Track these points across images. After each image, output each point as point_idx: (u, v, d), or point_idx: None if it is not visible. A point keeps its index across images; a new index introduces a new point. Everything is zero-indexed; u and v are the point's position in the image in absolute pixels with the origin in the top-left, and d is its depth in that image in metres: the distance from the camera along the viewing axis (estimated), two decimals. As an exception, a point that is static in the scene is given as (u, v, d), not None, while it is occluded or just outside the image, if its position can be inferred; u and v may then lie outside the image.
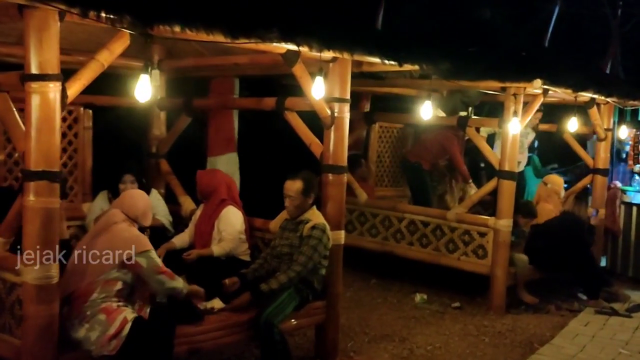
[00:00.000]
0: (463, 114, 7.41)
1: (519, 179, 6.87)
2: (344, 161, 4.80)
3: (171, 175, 6.02)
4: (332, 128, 4.71)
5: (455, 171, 7.65)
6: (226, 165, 6.76)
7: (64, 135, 5.44)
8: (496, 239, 6.24)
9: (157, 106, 6.05)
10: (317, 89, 4.20)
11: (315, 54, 4.11)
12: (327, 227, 4.58)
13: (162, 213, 5.55)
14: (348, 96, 4.74)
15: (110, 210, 3.97)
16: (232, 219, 5.07)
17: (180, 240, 5.19)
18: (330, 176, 4.79)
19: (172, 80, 6.39)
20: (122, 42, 3.49)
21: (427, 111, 5.32)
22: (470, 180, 7.46)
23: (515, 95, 6.03)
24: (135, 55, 5.91)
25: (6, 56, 4.82)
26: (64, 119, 5.43)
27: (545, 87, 5.98)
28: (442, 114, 7.58)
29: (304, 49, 3.96)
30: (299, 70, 4.40)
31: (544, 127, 8.05)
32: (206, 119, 6.93)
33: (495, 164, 6.34)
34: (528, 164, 8.38)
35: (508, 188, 6.24)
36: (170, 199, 5.99)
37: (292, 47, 3.91)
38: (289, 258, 4.57)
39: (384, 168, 8.35)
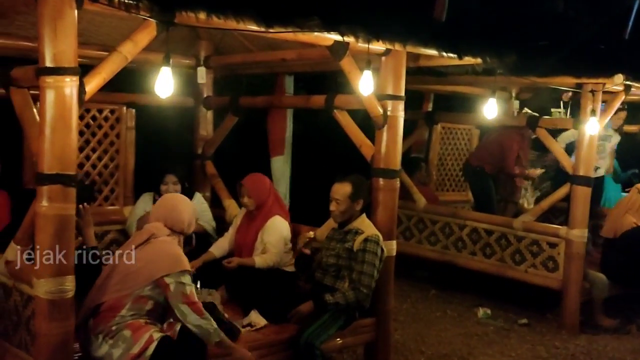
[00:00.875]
0: (556, 111, 6.81)
1: (597, 184, 6.25)
2: (396, 164, 4.37)
3: (217, 177, 5.72)
4: (385, 128, 4.30)
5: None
6: (276, 168, 6.41)
7: (105, 135, 5.24)
8: (568, 250, 5.69)
9: (203, 105, 5.77)
10: (365, 84, 3.77)
11: (364, 45, 3.70)
12: (381, 238, 4.17)
13: (205, 218, 5.25)
14: (402, 93, 4.31)
15: (152, 222, 3.58)
16: (279, 230, 4.63)
17: (220, 249, 4.83)
18: (381, 181, 4.37)
19: (221, 79, 6.14)
20: (147, 32, 3.14)
21: (491, 110, 4.81)
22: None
23: (592, 92, 5.46)
24: (182, 53, 5.69)
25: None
26: (106, 119, 5.23)
27: (628, 83, 5.38)
28: (527, 111, 7.00)
29: (351, 40, 3.55)
30: (347, 64, 3.99)
31: (630, 128, 7.35)
32: (257, 119, 6.63)
33: (569, 168, 5.79)
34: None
35: (582, 195, 5.67)
36: (215, 203, 5.70)
37: (336, 37, 3.50)
38: (334, 270, 4.19)
39: (445, 172, 7.86)
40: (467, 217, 6.59)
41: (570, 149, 6.55)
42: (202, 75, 5.61)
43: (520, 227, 6.05)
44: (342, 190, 4.19)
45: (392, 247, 4.43)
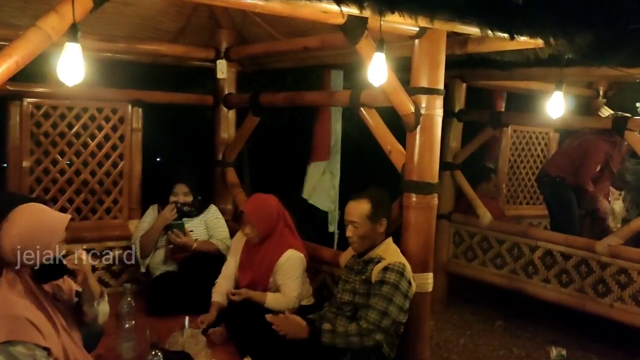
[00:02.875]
0: None
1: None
2: (432, 176, 3.45)
3: (238, 187, 4.98)
4: (418, 130, 3.39)
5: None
6: (310, 176, 5.58)
7: (106, 138, 4.60)
8: (666, 283, 4.61)
9: (223, 104, 5.04)
10: (375, 71, 2.86)
11: (387, 24, 2.84)
12: (407, 267, 3.25)
13: (220, 235, 4.52)
14: (441, 86, 3.40)
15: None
16: (295, 268, 3.76)
17: (224, 294, 3.88)
18: (414, 197, 3.46)
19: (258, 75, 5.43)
20: (79, 3, 2.39)
21: (556, 106, 3.80)
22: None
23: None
24: (203, 44, 5.00)
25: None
26: (106, 119, 4.59)
27: None
28: (609, 112, 5.89)
29: (353, 11, 2.68)
30: (365, 47, 3.10)
31: None
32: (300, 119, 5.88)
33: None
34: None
35: (685, 215, 4.56)
36: (237, 217, 4.96)
37: (331, 6, 2.62)
38: (350, 309, 3.32)
39: (518, 182, 6.80)
40: (539, 237, 5.55)
41: None
42: (222, 69, 4.91)
43: (605, 251, 4.98)
44: (358, 209, 3.30)
45: (427, 281, 3.51)
